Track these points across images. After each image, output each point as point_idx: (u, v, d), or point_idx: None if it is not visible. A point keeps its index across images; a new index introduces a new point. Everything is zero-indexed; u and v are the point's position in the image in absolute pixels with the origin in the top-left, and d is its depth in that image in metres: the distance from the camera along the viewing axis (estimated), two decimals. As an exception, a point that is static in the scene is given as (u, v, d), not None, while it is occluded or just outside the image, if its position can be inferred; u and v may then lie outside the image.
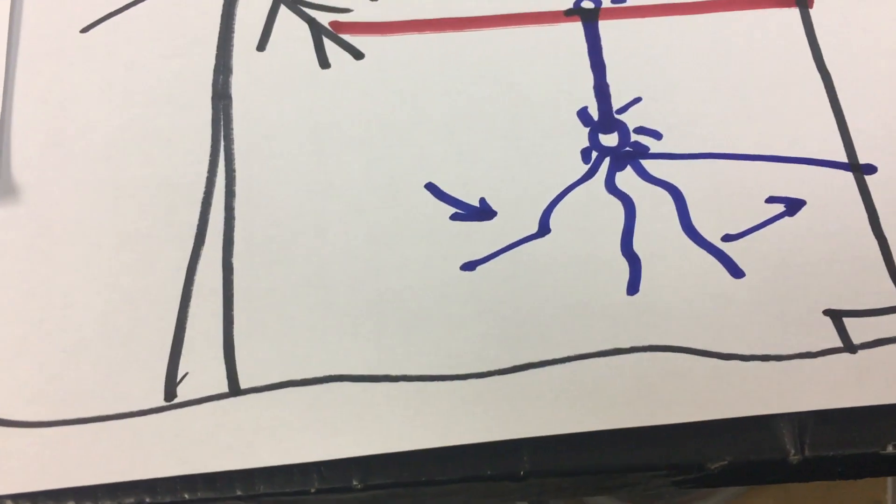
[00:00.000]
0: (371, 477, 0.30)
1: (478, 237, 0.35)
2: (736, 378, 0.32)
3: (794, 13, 0.39)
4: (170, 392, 0.31)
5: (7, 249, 0.34)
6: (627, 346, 0.33)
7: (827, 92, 0.37)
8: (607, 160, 0.37)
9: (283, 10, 0.39)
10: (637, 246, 0.35)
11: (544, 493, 0.31)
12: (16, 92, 0.37)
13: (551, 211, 0.36)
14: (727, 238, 0.35)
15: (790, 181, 0.35)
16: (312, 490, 0.30)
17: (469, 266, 0.34)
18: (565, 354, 0.33)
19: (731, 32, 0.39)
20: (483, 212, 0.36)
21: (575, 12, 0.40)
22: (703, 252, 0.35)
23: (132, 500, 0.30)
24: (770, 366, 0.32)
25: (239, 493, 0.30)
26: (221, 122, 0.37)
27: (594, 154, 0.37)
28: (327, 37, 0.39)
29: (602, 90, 0.39)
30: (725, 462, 0.31)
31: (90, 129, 0.37)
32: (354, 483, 0.30)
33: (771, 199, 0.35)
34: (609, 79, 0.39)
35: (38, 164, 0.36)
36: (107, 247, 0.34)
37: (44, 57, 0.38)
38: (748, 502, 0.80)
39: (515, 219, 0.36)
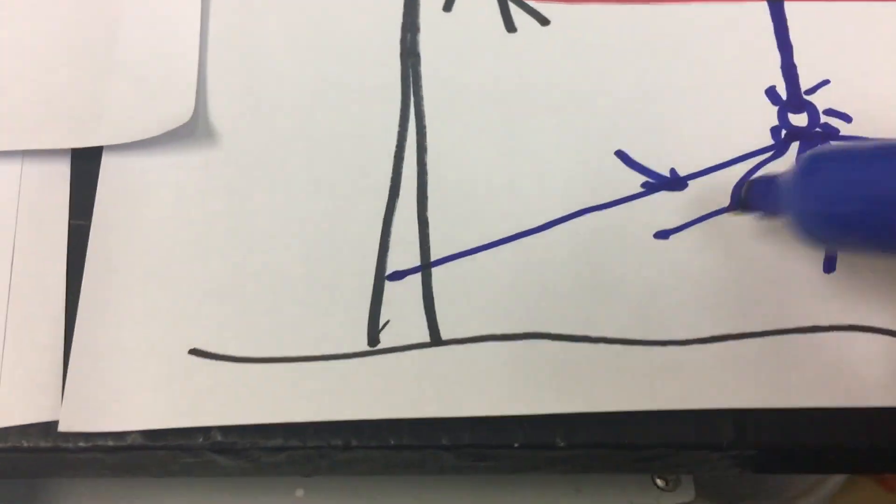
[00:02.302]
0: (575, 436, 0.30)
1: (670, 206, 0.35)
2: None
3: None
4: (373, 338, 0.31)
5: (208, 190, 0.34)
6: (826, 324, 0.32)
7: None
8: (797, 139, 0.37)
9: (468, -29, 0.39)
10: (832, 225, 0.34)
11: (745, 463, 0.31)
12: (210, 40, 0.37)
13: (742, 185, 0.35)
14: (923, 223, 0.34)
15: None
16: (516, 445, 0.30)
17: (663, 234, 0.34)
18: (763, 328, 0.32)
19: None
20: (674, 182, 0.35)
21: (760, -8, 0.40)
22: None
23: (339, 441, 0.30)
24: None
25: (444, 441, 0.30)
26: (411, 79, 0.37)
27: (783, 132, 0.37)
28: (512, 1, 0.39)
29: (790, 70, 0.38)
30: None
31: (282, 80, 0.37)
32: (557, 441, 0.30)
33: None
34: (796, 59, 0.38)
35: (235, 110, 0.36)
36: (304, 193, 0.34)
37: (236, 7, 0.38)
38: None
39: (706, 191, 0.35)
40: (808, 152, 0.30)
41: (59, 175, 0.34)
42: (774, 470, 0.31)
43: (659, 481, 0.37)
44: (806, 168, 0.30)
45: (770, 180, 0.32)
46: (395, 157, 0.35)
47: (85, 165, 0.34)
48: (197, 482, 0.35)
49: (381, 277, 0.33)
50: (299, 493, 0.36)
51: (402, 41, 0.38)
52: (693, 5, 0.39)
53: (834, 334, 0.32)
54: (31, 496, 0.37)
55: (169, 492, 0.35)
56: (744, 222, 0.34)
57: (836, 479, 0.71)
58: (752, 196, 0.33)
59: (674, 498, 0.37)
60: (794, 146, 0.36)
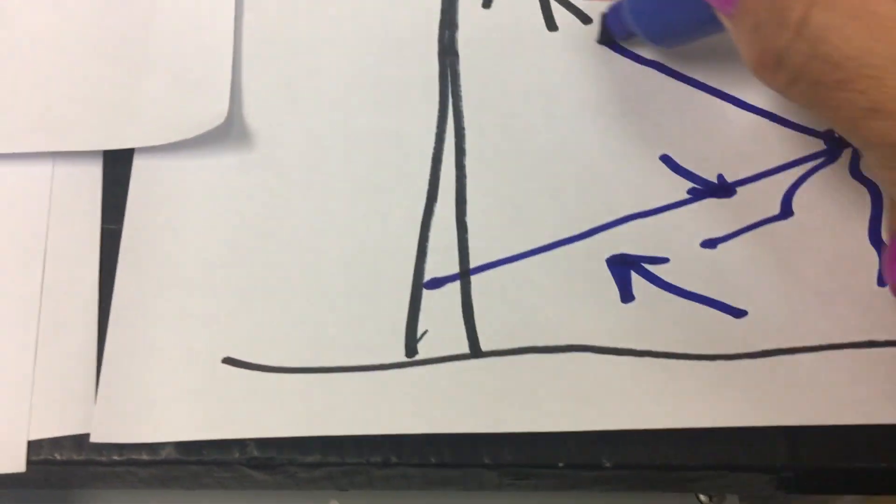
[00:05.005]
0: (621, 456, 0.29)
1: (717, 214, 0.33)
2: None
3: None
4: (411, 348, 0.31)
5: (243, 193, 0.33)
6: (882, 339, 0.31)
7: None
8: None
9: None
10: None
11: (799, 486, 0.30)
12: (244, 37, 0.36)
13: (793, 193, 0.34)
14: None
15: None
16: (560, 465, 0.29)
17: (710, 243, 0.33)
18: (816, 343, 0.31)
19: None
20: (722, 188, 0.34)
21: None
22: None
23: (379, 457, 0.29)
24: None
25: (486, 460, 0.29)
26: (449, 78, 0.36)
27: (837, 136, 0.35)
28: (554, -2, 0.38)
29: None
30: None
31: (320, 77, 0.36)
32: (604, 461, 0.29)
33: None
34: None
35: (271, 110, 0.35)
36: (342, 195, 0.33)
37: (271, 3, 0.37)
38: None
39: (756, 198, 0.34)
40: None
41: (91, 178, 0.33)
42: (826, 491, 0.30)
43: (703, 497, 0.36)
44: None
45: (619, 3, 0.34)
46: (433, 159, 0.34)
47: (117, 168, 0.33)
48: (229, 492, 0.35)
49: (419, 285, 0.32)
50: (333, 503, 0.36)
51: (441, 39, 0.37)
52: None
53: (891, 349, 0.31)
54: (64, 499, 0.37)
55: (202, 501, 0.35)
56: (794, 232, 0.33)
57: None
58: (607, 22, 0.35)
59: (716, 513, 0.36)
60: (847, 152, 0.35)
